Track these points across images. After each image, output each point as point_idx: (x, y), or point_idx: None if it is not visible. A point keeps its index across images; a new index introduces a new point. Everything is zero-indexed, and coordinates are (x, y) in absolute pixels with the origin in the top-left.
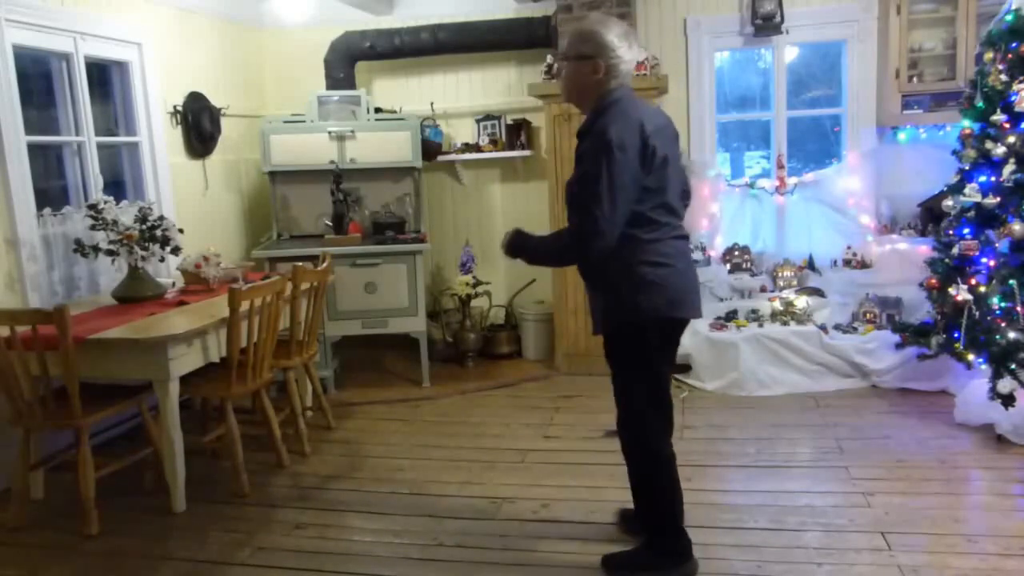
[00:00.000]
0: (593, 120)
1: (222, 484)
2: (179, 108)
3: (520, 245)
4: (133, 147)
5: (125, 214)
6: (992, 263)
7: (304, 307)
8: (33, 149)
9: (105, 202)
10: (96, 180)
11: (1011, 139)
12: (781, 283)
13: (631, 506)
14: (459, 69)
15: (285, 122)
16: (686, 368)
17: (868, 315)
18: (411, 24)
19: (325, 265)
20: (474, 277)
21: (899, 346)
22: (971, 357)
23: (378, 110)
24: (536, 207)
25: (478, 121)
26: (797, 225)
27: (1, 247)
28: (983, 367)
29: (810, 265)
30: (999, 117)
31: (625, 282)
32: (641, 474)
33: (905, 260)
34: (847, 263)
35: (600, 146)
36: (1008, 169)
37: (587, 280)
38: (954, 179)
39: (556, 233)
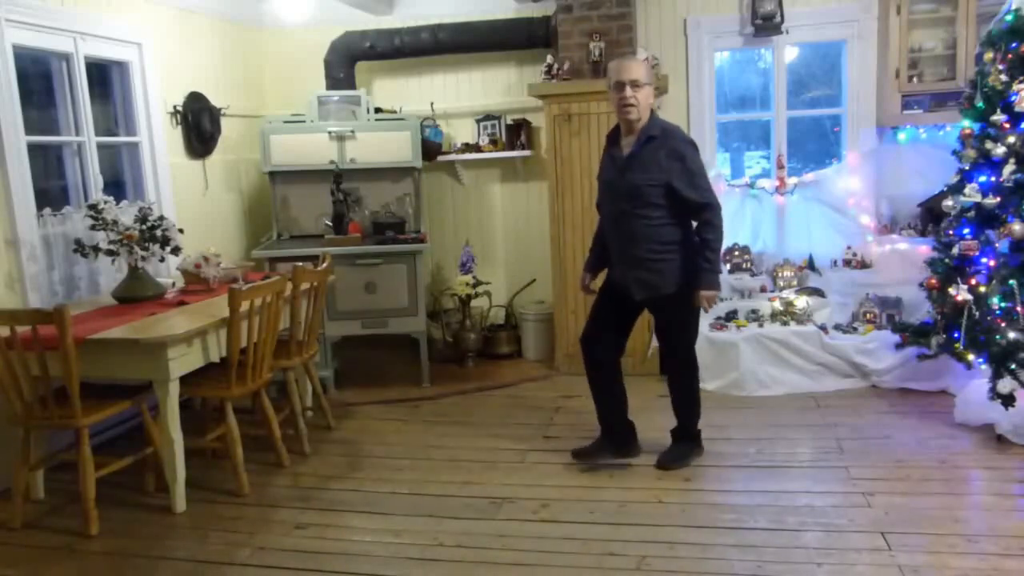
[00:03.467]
0: (661, 127)
1: (222, 484)
2: (179, 108)
3: (714, 276)
4: (133, 147)
5: (125, 214)
6: (992, 263)
7: (304, 307)
8: (33, 149)
9: (105, 202)
10: (96, 180)
11: (1011, 139)
12: (781, 283)
13: (585, 446)
14: (459, 69)
15: (285, 122)
16: None
17: (868, 315)
18: (411, 24)
19: (325, 265)
20: (474, 277)
21: (899, 346)
22: (971, 357)
23: (378, 110)
24: (536, 207)
25: (478, 121)
26: (797, 225)
27: (1, 247)
28: (983, 367)
29: (810, 265)
30: (999, 117)
31: (680, 249)
32: (694, 387)
33: (905, 260)
34: (847, 263)
35: (688, 142)
36: (1008, 169)
37: (663, 250)
38: (954, 179)
39: (705, 239)
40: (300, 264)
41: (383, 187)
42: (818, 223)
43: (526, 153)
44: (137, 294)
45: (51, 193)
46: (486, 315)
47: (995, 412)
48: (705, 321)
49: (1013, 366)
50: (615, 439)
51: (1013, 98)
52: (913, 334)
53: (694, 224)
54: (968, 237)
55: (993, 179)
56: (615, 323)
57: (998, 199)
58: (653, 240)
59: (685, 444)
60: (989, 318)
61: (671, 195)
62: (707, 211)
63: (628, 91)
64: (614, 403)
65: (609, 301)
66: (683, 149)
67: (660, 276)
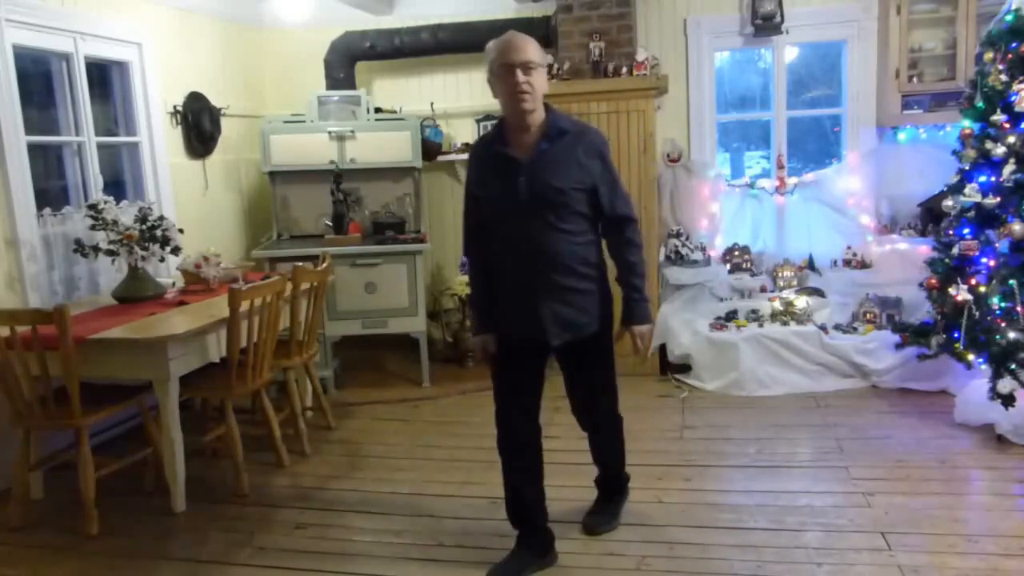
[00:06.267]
0: (569, 119)
1: (222, 484)
2: (179, 108)
3: (647, 307)
4: (133, 147)
5: (125, 214)
6: (992, 263)
7: (304, 307)
8: (33, 149)
9: (105, 202)
10: (96, 180)
11: (1011, 139)
12: (781, 283)
13: (501, 562)
14: (459, 69)
15: (285, 122)
16: (686, 368)
17: (868, 315)
18: (411, 24)
19: (325, 265)
20: None
21: (899, 346)
22: (971, 357)
23: (378, 110)
24: None
25: (478, 121)
26: (797, 225)
27: (1, 247)
28: (983, 367)
29: (810, 265)
30: (999, 117)
31: (603, 271)
32: (622, 436)
33: (905, 260)
34: (847, 263)
35: (606, 143)
36: (1008, 169)
37: (587, 274)
38: (954, 179)
39: (629, 261)
40: (300, 264)
41: (383, 187)
42: (818, 223)
43: None
44: (137, 294)
45: (51, 193)
46: None
47: (995, 412)
48: (705, 322)
49: (1013, 366)
50: (539, 539)
51: (1013, 98)
52: (913, 334)
53: (612, 242)
54: (968, 237)
55: (993, 179)
56: (527, 383)
57: (998, 199)
58: (576, 261)
59: (615, 500)
60: (989, 318)
61: (593, 202)
62: (629, 227)
63: (520, 75)
64: (541, 491)
65: (509, 358)
66: (602, 147)
67: (583, 311)
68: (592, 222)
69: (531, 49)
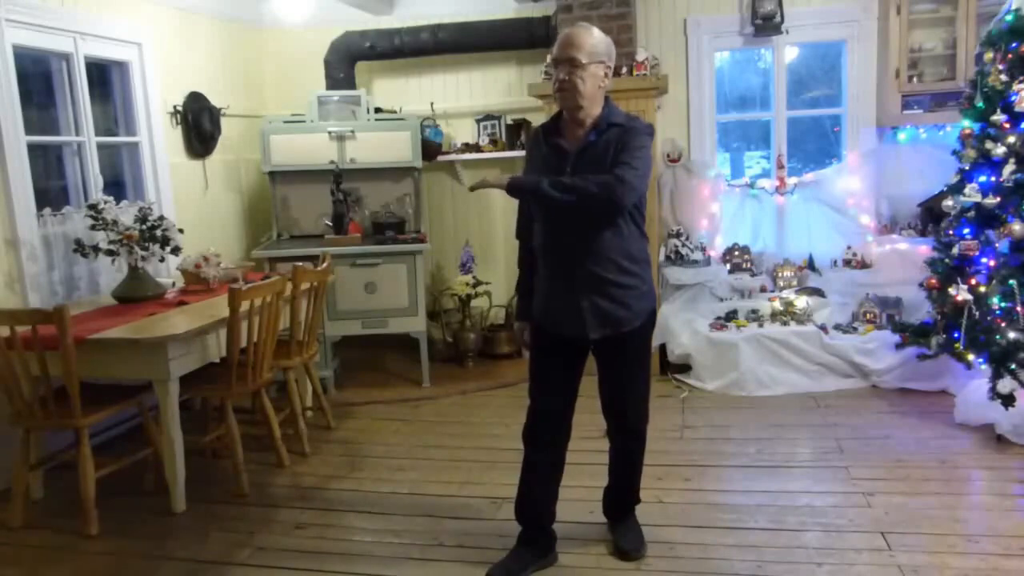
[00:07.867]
0: (626, 115)
1: (222, 484)
2: (179, 108)
3: (526, 182)
4: (133, 147)
5: (125, 214)
6: (992, 263)
7: (304, 307)
8: (33, 149)
9: (105, 202)
10: (96, 180)
11: (1011, 139)
12: (781, 283)
13: (501, 561)
14: (459, 69)
15: (285, 122)
16: (686, 368)
17: (868, 315)
18: (411, 24)
19: (325, 265)
20: (474, 277)
21: (899, 346)
22: (971, 357)
23: (378, 110)
24: None
25: (478, 121)
26: (797, 225)
27: (1, 247)
28: (983, 367)
29: (810, 265)
30: (999, 117)
31: (648, 269)
32: (642, 457)
33: (905, 260)
34: (847, 263)
35: (647, 133)
36: (1008, 169)
37: (632, 269)
38: (954, 179)
39: (586, 176)
40: (300, 264)
41: (383, 187)
42: (818, 223)
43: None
44: (137, 294)
45: (51, 193)
46: (486, 315)
47: (995, 412)
48: (705, 322)
49: (1013, 366)
50: (542, 539)
51: (1013, 98)
52: (913, 334)
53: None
54: (968, 237)
55: (993, 179)
56: (560, 379)
57: (998, 199)
58: (622, 256)
59: (634, 517)
60: (989, 318)
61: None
62: (621, 175)
63: (560, 73)
64: (554, 493)
65: (544, 352)
66: (640, 134)
67: (623, 305)
68: (637, 216)
69: (580, 46)
